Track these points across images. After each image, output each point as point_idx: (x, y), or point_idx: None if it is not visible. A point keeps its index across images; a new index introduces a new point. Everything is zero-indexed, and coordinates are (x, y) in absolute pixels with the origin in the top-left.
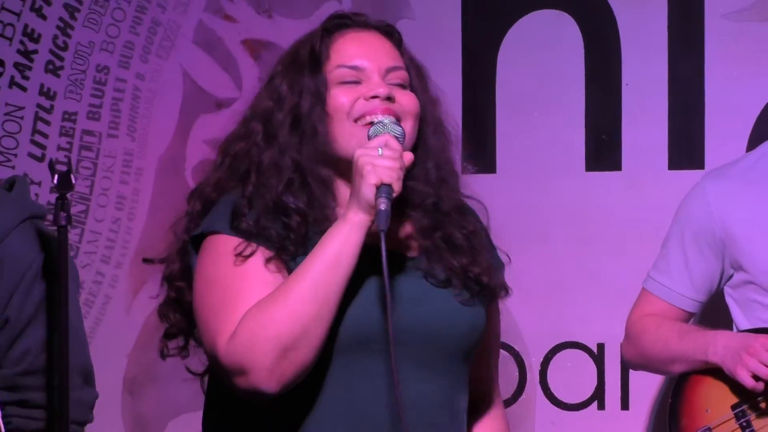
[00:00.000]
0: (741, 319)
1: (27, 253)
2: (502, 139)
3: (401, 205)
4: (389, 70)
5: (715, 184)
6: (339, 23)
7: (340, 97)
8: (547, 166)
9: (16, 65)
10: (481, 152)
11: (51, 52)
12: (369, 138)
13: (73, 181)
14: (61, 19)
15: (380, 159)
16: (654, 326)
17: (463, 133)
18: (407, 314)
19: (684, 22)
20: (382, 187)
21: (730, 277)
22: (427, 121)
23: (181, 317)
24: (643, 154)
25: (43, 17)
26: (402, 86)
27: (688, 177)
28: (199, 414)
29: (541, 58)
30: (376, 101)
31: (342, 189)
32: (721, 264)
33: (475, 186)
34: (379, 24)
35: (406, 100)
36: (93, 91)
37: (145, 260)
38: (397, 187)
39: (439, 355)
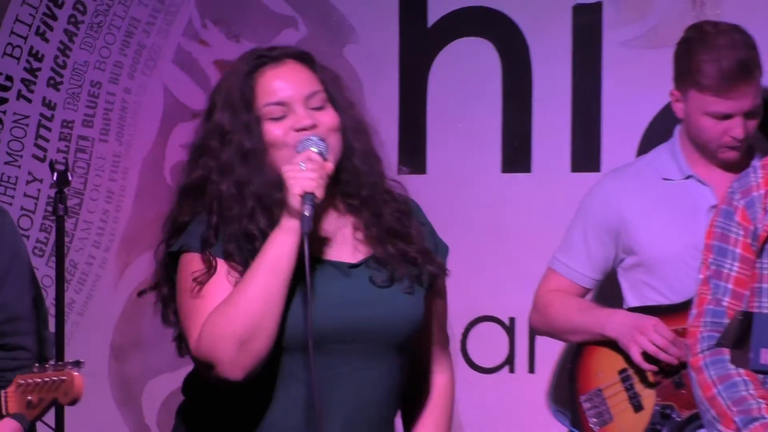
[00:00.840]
0: (630, 296)
1: None
2: (432, 146)
3: (344, 207)
4: (309, 96)
5: (612, 183)
6: (258, 63)
7: (273, 132)
8: (470, 168)
9: (23, 80)
10: (415, 156)
11: (52, 69)
12: (297, 152)
13: (70, 179)
14: (61, 42)
15: (302, 172)
16: (558, 301)
17: (400, 141)
18: (354, 316)
19: (586, 48)
20: (306, 196)
21: (622, 260)
22: (347, 125)
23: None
24: (550, 158)
25: (46, 40)
26: (321, 107)
27: (587, 178)
28: (173, 374)
29: (466, 77)
30: (305, 132)
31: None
32: (615, 249)
33: (409, 185)
34: (292, 52)
35: (327, 119)
36: (87, 103)
37: (140, 293)
38: (319, 193)
39: (381, 348)
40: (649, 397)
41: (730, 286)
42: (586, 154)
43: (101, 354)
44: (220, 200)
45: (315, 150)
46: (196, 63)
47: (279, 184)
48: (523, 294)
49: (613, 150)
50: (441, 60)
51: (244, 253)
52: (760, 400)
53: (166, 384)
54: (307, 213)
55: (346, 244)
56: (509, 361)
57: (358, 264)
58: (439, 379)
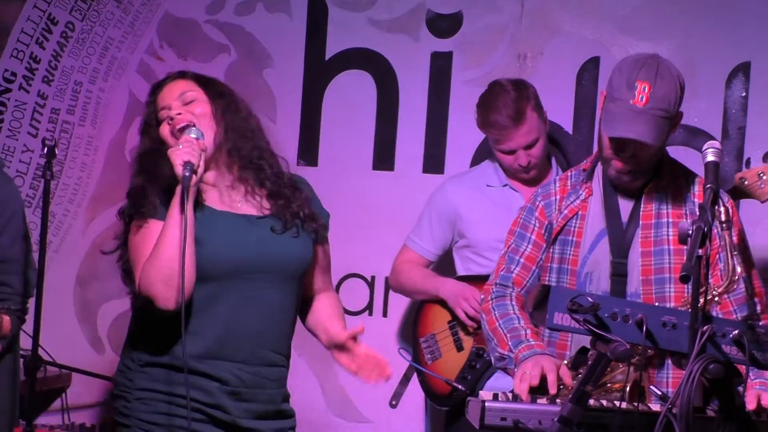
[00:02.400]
0: (460, 267)
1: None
2: (323, 146)
3: (251, 181)
4: (181, 94)
5: (452, 185)
6: (156, 87)
7: (162, 131)
8: (350, 165)
9: (24, 77)
10: (310, 153)
11: (46, 70)
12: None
13: (56, 152)
14: (54, 50)
15: (179, 149)
16: (408, 269)
17: (300, 141)
18: (259, 254)
19: (439, 83)
20: (186, 164)
21: (456, 242)
22: (223, 116)
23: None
24: (408, 162)
25: (43, 48)
26: (193, 101)
27: (434, 179)
28: (121, 300)
29: (351, 98)
30: (174, 120)
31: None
32: (452, 233)
33: (305, 174)
34: (174, 74)
35: (196, 109)
36: (71, 97)
37: (103, 252)
38: (195, 161)
39: (281, 278)
40: (468, 341)
41: (522, 260)
42: (434, 160)
43: (69, 282)
44: (146, 180)
45: (191, 135)
46: (153, 73)
47: (170, 171)
48: (382, 259)
49: (454, 159)
50: (334, 84)
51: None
52: (527, 328)
53: (117, 307)
54: (187, 174)
55: (253, 205)
56: (369, 308)
57: (262, 217)
58: (328, 293)
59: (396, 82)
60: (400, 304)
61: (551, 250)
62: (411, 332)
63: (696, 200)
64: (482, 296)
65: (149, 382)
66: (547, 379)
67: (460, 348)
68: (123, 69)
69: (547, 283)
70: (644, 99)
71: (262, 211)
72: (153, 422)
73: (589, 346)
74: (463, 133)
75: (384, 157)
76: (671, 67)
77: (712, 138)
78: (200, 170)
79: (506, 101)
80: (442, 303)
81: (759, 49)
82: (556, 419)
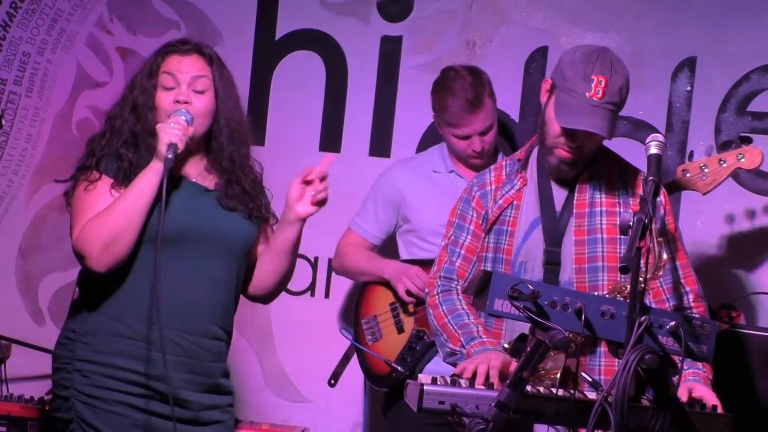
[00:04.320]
0: (403, 251)
1: None
2: (270, 126)
3: (212, 169)
4: (195, 78)
5: (398, 170)
6: (169, 49)
7: (161, 99)
8: (296, 145)
9: None
10: (257, 132)
11: None
12: (169, 117)
13: (3, 122)
14: (2, 20)
15: (170, 128)
16: (352, 251)
17: (247, 120)
18: (207, 224)
19: (388, 67)
20: (171, 146)
21: (401, 226)
22: (223, 111)
23: None
24: (355, 144)
25: None
26: (202, 92)
27: (380, 162)
28: (63, 273)
29: (300, 79)
30: (179, 104)
31: None
32: (396, 217)
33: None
34: (196, 47)
35: (202, 104)
36: (18, 68)
37: (56, 180)
38: (180, 146)
39: (226, 252)
40: (409, 324)
41: (462, 252)
42: (381, 144)
43: (12, 253)
44: (112, 130)
45: (183, 117)
46: (102, 47)
47: (152, 133)
48: (326, 240)
49: (401, 143)
50: (283, 65)
51: (117, 171)
52: (479, 325)
53: (59, 280)
54: (170, 156)
55: (208, 179)
56: (311, 288)
57: (212, 190)
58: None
59: (345, 64)
60: (342, 286)
61: (486, 239)
62: (353, 314)
63: (630, 189)
64: (427, 290)
65: (90, 353)
66: (489, 373)
67: (400, 330)
68: (71, 42)
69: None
70: (600, 93)
71: (215, 186)
72: (92, 395)
73: (527, 333)
74: (411, 117)
75: (331, 139)
76: (620, 60)
77: (657, 131)
78: (179, 153)
79: (464, 86)
80: (386, 285)
81: (705, 45)
82: (493, 404)
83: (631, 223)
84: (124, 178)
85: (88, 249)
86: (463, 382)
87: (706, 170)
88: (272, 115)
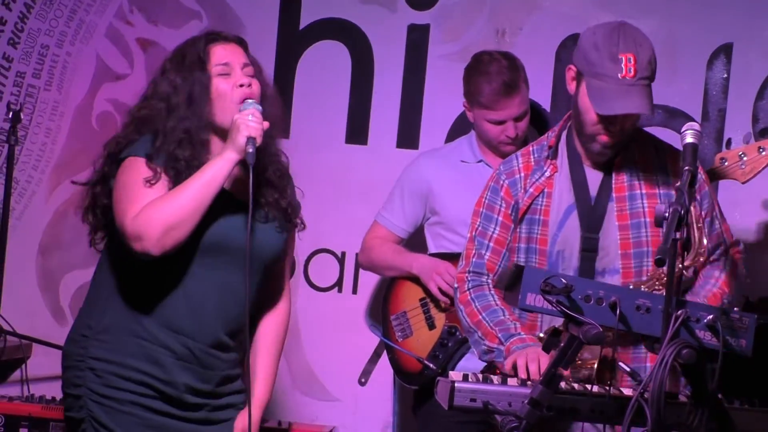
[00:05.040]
0: (431, 244)
1: None
2: (296, 118)
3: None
4: (244, 66)
5: (425, 161)
6: (211, 39)
7: (221, 86)
8: (322, 137)
9: None
10: (282, 125)
11: (12, 32)
12: (241, 110)
13: (21, 116)
14: (20, 12)
15: (251, 121)
16: (379, 245)
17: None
18: (240, 238)
19: (415, 56)
20: (250, 139)
21: (428, 218)
22: (265, 98)
23: (95, 218)
24: (382, 136)
25: (9, 9)
26: (252, 76)
27: (408, 153)
28: (84, 270)
29: (325, 69)
30: (243, 87)
31: (215, 146)
32: (424, 209)
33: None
34: (235, 38)
35: (256, 86)
36: (37, 60)
37: (73, 182)
38: (259, 140)
39: (256, 264)
40: (440, 319)
41: (491, 244)
42: (408, 135)
43: (32, 250)
44: (164, 132)
45: (258, 108)
46: (122, 38)
47: (213, 126)
48: (352, 235)
49: (428, 134)
50: (308, 55)
51: (171, 174)
52: (515, 322)
53: (80, 277)
54: (251, 150)
55: (242, 185)
56: (338, 284)
57: (247, 199)
58: (282, 307)
59: (371, 54)
60: (370, 281)
61: (518, 230)
62: (381, 310)
63: (669, 169)
64: (456, 285)
65: (105, 351)
66: (529, 368)
67: (431, 326)
68: (91, 33)
69: (515, 262)
70: (632, 71)
71: (250, 192)
72: (105, 395)
73: (560, 328)
74: (439, 108)
75: (357, 131)
76: (640, 31)
77: (692, 119)
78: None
79: (500, 69)
80: (414, 280)
81: (741, 31)
82: (526, 401)
83: (666, 215)
84: (176, 177)
85: (148, 230)
86: (495, 379)
87: (745, 158)
88: (297, 107)
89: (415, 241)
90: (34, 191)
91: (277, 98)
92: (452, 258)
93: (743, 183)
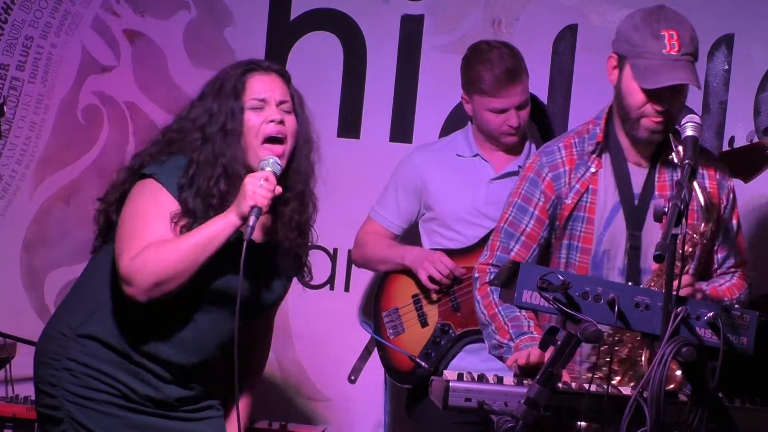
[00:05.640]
0: (426, 241)
1: None
2: None
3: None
4: (281, 102)
5: (419, 155)
6: (250, 68)
7: (252, 119)
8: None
9: None
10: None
11: None
12: (259, 168)
13: (5, 110)
14: (4, 2)
15: (260, 188)
16: (373, 240)
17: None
18: (245, 287)
19: (409, 48)
20: (255, 208)
21: (423, 214)
22: (300, 134)
23: (104, 223)
24: (374, 130)
25: None
26: (288, 113)
27: (401, 148)
28: (70, 268)
29: (316, 61)
30: (272, 124)
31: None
32: (418, 205)
33: None
34: (277, 69)
35: (291, 123)
36: (21, 52)
37: (99, 199)
38: (265, 209)
39: (252, 313)
40: (433, 317)
41: (523, 237)
42: (402, 129)
43: (16, 247)
44: (198, 163)
45: (272, 170)
46: (108, 29)
47: (243, 161)
48: (345, 231)
49: (423, 128)
50: (299, 46)
51: (200, 206)
52: (530, 320)
53: (65, 275)
54: (251, 223)
55: (264, 231)
56: (330, 281)
57: (265, 246)
58: (266, 340)
59: (364, 45)
60: (363, 278)
61: (563, 228)
62: (373, 306)
63: (704, 172)
64: (476, 275)
65: (84, 355)
66: (530, 359)
67: (424, 323)
68: (76, 24)
69: (556, 261)
70: (676, 46)
71: (264, 237)
72: (83, 395)
73: (557, 326)
74: (434, 101)
75: (349, 124)
76: (677, 12)
77: (693, 112)
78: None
79: (502, 55)
80: (408, 275)
81: (742, 21)
82: (522, 401)
83: (666, 210)
84: (206, 212)
85: (138, 279)
86: (491, 378)
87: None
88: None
89: (411, 238)
90: (18, 186)
91: (311, 140)
92: (447, 254)
93: (746, 182)
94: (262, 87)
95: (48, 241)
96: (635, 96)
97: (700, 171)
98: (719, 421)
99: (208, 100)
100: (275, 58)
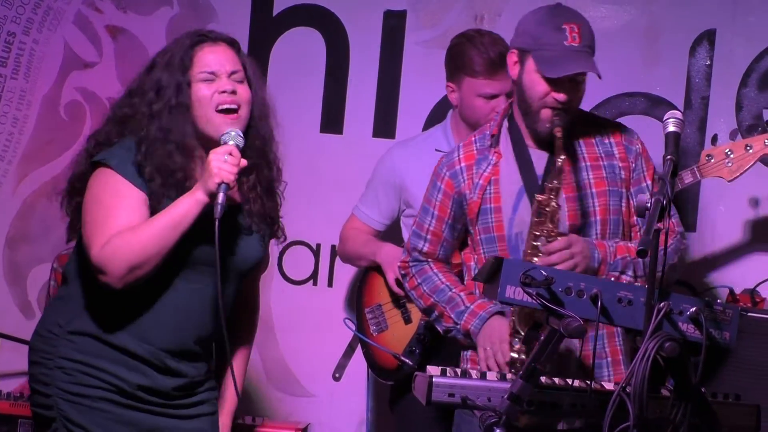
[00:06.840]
0: (406, 236)
1: None
2: None
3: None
4: (232, 73)
5: (399, 151)
6: (198, 39)
7: (201, 91)
8: (296, 127)
9: None
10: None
11: None
12: (221, 143)
13: None
14: None
15: (224, 163)
16: (353, 236)
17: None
18: (223, 251)
19: (391, 43)
20: (222, 185)
21: (403, 210)
22: (255, 102)
23: (74, 212)
24: (357, 125)
25: None
26: (241, 82)
27: (384, 143)
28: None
29: (298, 57)
30: (225, 94)
31: (200, 155)
32: (398, 202)
33: None
34: (225, 38)
35: (244, 92)
36: (3, 48)
37: (65, 190)
38: (233, 184)
39: (232, 276)
40: (417, 313)
41: (428, 236)
42: (385, 124)
43: None
44: (147, 141)
45: (234, 143)
46: (90, 25)
47: (196, 133)
48: (328, 226)
49: (405, 123)
50: (282, 42)
51: (164, 186)
52: (461, 293)
53: (47, 270)
54: (220, 200)
55: (232, 191)
56: (313, 277)
57: (238, 206)
58: (253, 307)
59: (347, 40)
60: (346, 274)
61: (476, 224)
62: (356, 302)
63: (607, 139)
64: (402, 273)
65: (75, 352)
66: (497, 363)
67: (408, 320)
68: (59, 20)
69: (482, 256)
70: (577, 38)
71: (239, 198)
72: (76, 393)
73: (541, 321)
74: (416, 96)
75: (332, 120)
76: (576, 9)
77: (675, 107)
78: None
79: (494, 41)
80: None
81: (724, 16)
82: (505, 396)
83: (649, 205)
84: (178, 191)
85: (111, 267)
86: (474, 373)
87: (731, 156)
88: (270, 95)
89: (393, 234)
90: (0, 182)
91: (267, 105)
92: None
93: (729, 181)
94: (211, 59)
95: (31, 237)
96: (537, 87)
97: (606, 140)
98: (702, 416)
99: (157, 71)
100: (258, 54)
